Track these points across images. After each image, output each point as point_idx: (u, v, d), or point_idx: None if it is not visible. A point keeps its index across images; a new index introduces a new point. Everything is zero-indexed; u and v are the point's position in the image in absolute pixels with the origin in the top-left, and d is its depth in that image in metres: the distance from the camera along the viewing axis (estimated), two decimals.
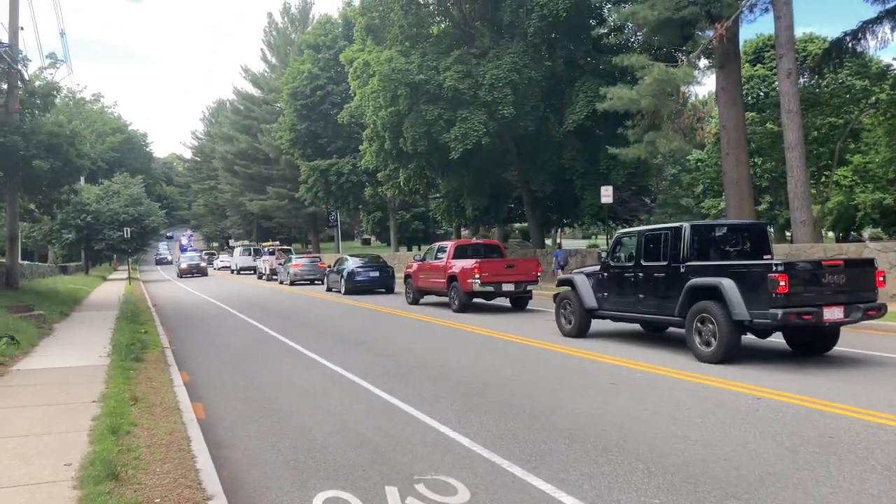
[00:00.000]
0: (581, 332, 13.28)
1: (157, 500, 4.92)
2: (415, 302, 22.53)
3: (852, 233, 52.54)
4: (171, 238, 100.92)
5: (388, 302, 23.65)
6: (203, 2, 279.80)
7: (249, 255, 54.84)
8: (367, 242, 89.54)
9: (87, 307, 23.12)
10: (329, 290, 29.73)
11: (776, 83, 23.40)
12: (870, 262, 10.35)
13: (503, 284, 18.88)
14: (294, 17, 73.38)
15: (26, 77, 23.05)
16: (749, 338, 11.10)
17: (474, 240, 25.36)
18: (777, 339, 11.67)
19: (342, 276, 27.81)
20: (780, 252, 19.06)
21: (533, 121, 28.92)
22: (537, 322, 16.31)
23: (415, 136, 28.88)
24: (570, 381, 9.20)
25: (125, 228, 45.51)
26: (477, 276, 18.60)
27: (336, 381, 9.74)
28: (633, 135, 24.11)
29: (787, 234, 36.86)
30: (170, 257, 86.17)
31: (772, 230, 45.49)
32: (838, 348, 10.86)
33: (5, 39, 21.25)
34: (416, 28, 31.33)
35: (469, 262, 19.29)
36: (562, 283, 14.15)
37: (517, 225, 63.06)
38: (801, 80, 26.42)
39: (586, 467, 5.75)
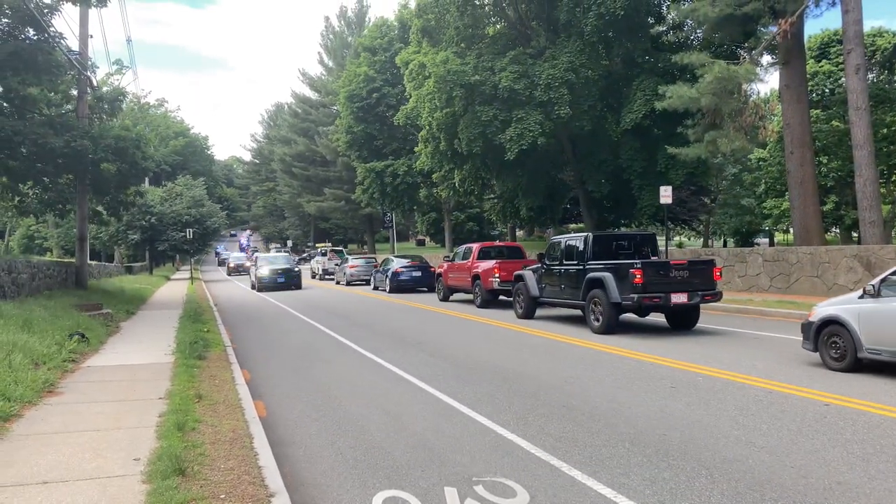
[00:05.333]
0: (528, 314, 17.12)
1: (223, 496, 5.03)
2: (445, 299, 23.94)
3: None
4: (233, 235, 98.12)
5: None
6: (262, 7, 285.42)
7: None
8: (421, 243, 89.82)
9: (152, 306, 23.78)
10: (375, 288, 30.97)
11: (843, 79, 22.65)
12: (710, 262, 14.12)
13: None
14: (350, 21, 74.16)
15: (95, 83, 23.92)
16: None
17: (498, 242, 26.45)
18: None
19: (387, 276, 29.07)
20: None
21: (589, 120, 28.59)
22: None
23: (470, 136, 28.90)
24: (626, 383, 9.06)
25: (187, 229, 46.78)
26: (497, 275, 20.28)
27: (392, 381, 9.81)
28: (693, 134, 23.65)
29: (855, 234, 35.66)
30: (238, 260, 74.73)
31: (837, 231, 44.12)
32: None
33: (76, 47, 22.05)
34: (471, 29, 31.37)
35: (490, 263, 20.76)
36: (517, 278, 17.69)
37: (573, 226, 62.41)
38: (870, 76, 25.55)
39: (647, 472, 5.66)
